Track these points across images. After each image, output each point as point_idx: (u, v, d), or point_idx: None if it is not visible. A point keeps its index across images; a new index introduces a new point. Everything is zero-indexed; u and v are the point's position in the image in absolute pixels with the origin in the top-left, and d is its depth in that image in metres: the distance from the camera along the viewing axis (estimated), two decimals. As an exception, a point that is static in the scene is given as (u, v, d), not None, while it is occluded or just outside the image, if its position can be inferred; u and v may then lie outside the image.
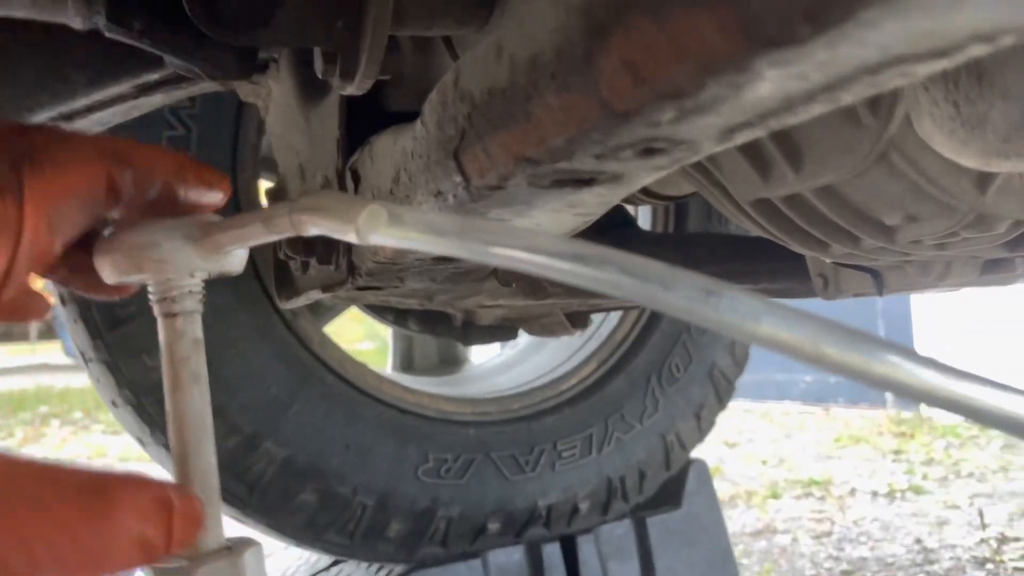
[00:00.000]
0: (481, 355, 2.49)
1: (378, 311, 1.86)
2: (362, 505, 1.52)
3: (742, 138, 0.40)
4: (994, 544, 2.52)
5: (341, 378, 1.54)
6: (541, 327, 1.61)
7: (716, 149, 0.43)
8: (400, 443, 1.56)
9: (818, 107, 0.35)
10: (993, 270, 0.95)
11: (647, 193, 1.29)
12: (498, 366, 2.05)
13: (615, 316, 1.91)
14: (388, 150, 0.70)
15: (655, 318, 1.87)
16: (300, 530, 1.51)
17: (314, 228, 0.41)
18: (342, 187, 0.83)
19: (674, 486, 1.87)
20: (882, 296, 1.01)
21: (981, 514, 2.76)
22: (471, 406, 1.69)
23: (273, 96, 1.04)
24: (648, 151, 0.42)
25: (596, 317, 1.91)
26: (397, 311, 1.80)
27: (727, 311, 0.32)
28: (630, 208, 1.97)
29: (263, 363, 1.45)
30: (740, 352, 1.94)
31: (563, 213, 0.59)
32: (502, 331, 1.69)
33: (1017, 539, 2.57)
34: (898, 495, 3.21)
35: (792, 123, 0.37)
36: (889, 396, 5.31)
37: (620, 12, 0.34)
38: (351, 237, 0.39)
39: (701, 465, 1.91)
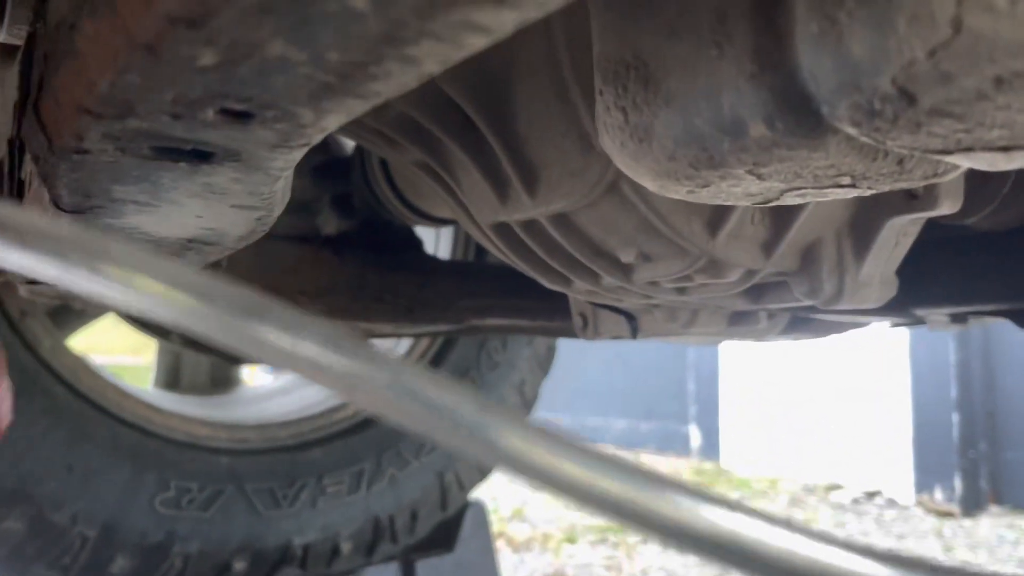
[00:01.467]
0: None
1: (139, 321, 1.68)
2: (82, 536, 1.33)
3: (340, 108, 0.32)
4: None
5: (73, 390, 1.36)
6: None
7: (323, 124, 0.34)
8: (137, 468, 1.39)
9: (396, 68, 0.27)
10: (739, 322, 0.93)
11: (418, 213, 1.22)
12: (274, 390, 1.90)
13: (403, 347, 1.82)
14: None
15: (445, 351, 1.79)
16: (3, 561, 1.31)
17: None
18: (11, 158, 0.70)
19: (449, 528, 1.78)
20: (635, 339, 0.97)
21: (757, 566, 2.84)
22: (229, 432, 1.54)
23: (-24, 52, 0.89)
24: (233, 114, 0.33)
25: (382, 347, 1.81)
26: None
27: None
28: (431, 233, 1.89)
29: (-27, 367, 1.25)
30: (530, 392, 1.89)
31: (213, 203, 0.49)
32: (272, 351, 1.56)
33: (788, 592, 2.66)
34: (687, 544, 3.27)
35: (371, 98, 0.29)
36: (694, 446, 5.50)
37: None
38: None
39: (479, 508, 1.83)
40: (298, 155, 0.40)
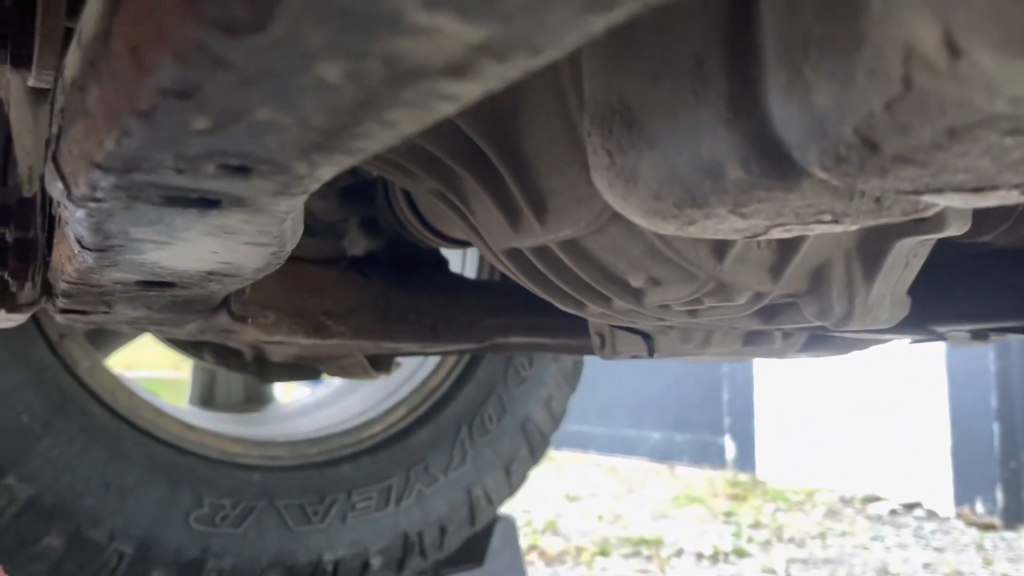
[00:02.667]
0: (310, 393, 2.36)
1: (174, 340, 1.72)
2: (118, 552, 1.37)
3: (331, 162, 0.34)
4: (801, 611, 2.56)
5: (109, 409, 1.40)
6: (340, 368, 1.53)
7: (317, 175, 0.36)
8: (172, 485, 1.43)
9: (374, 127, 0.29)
10: (754, 342, 0.93)
11: (439, 235, 1.24)
12: (306, 406, 1.94)
13: (432, 362, 1.84)
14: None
15: (472, 367, 1.81)
16: (43, 578, 1.35)
17: None
18: (44, 194, 0.73)
19: (478, 543, 1.79)
20: (652, 358, 0.98)
21: (791, 581, 2.81)
22: (261, 448, 1.57)
23: (12, 89, 0.93)
24: (232, 168, 0.35)
25: (411, 363, 1.83)
26: (193, 341, 1.67)
27: None
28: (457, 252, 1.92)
29: (13, 386, 1.30)
30: (557, 407, 1.90)
31: (227, 241, 0.51)
32: (302, 370, 1.59)
33: (824, 607, 2.62)
34: (721, 558, 3.24)
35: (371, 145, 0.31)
36: (729, 457, 5.45)
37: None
38: None
39: (508, 522, 1.84)
40: (301, 200, 0.42)
